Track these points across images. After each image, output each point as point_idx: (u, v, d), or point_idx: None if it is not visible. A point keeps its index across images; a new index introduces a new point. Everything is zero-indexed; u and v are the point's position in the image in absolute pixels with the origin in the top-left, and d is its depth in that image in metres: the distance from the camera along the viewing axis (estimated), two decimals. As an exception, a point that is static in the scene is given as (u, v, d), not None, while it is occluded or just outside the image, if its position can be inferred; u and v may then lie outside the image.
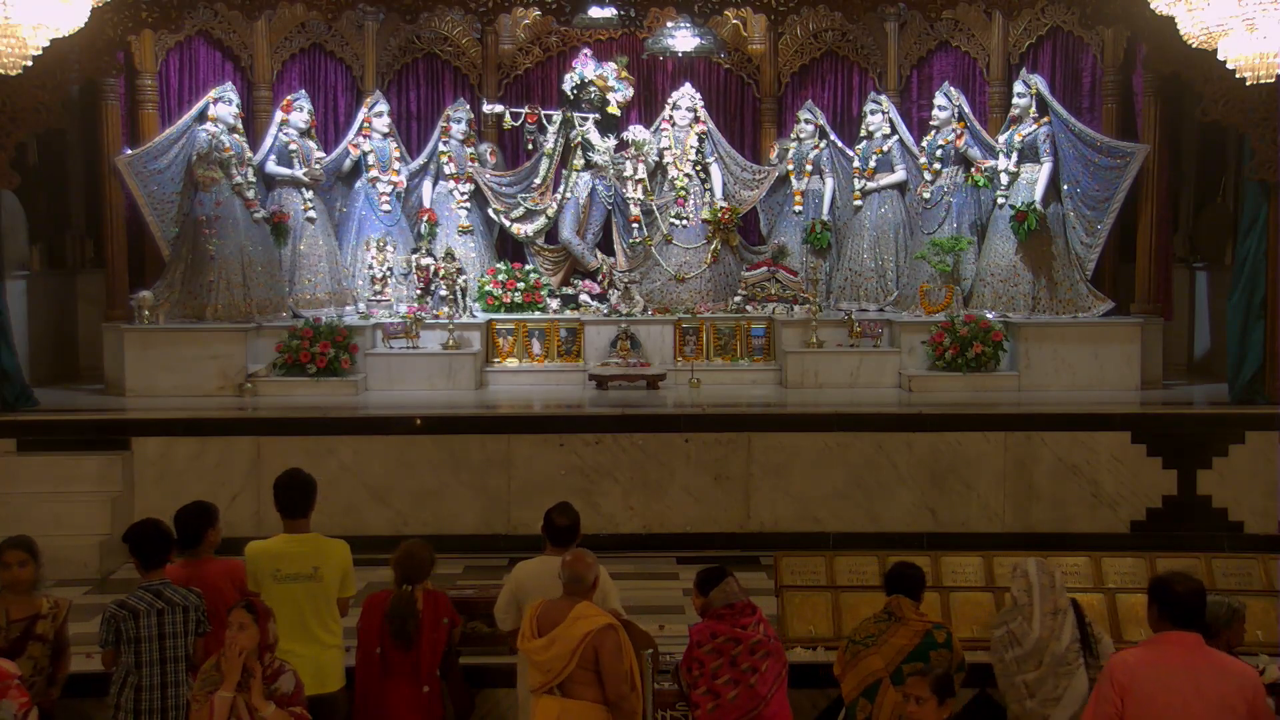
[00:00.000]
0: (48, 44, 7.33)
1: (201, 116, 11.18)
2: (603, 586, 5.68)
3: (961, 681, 5.80)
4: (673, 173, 12.41)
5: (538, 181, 12.52)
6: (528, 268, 12.32)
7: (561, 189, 12.45)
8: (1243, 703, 4.45)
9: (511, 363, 11.65)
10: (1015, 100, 11.43)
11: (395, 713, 5.71)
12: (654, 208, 12.39)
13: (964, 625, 6.98)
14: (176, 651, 5.46)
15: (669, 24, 11.55)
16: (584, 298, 12.13)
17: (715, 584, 5.65)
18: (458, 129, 12.38)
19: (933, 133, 11.88)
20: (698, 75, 12.93)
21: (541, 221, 12.46)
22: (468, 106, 12.50)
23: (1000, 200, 11.43)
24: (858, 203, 12.21)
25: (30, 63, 7.42)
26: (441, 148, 12.38)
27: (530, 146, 12.58)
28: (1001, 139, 11.50)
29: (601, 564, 5.64)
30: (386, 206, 12.05)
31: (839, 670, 5.88)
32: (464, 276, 11.90)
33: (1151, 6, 7.70)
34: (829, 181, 12.42)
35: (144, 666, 5.42)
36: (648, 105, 13.00)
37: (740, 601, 5.62)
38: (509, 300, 11.99)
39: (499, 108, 12.49)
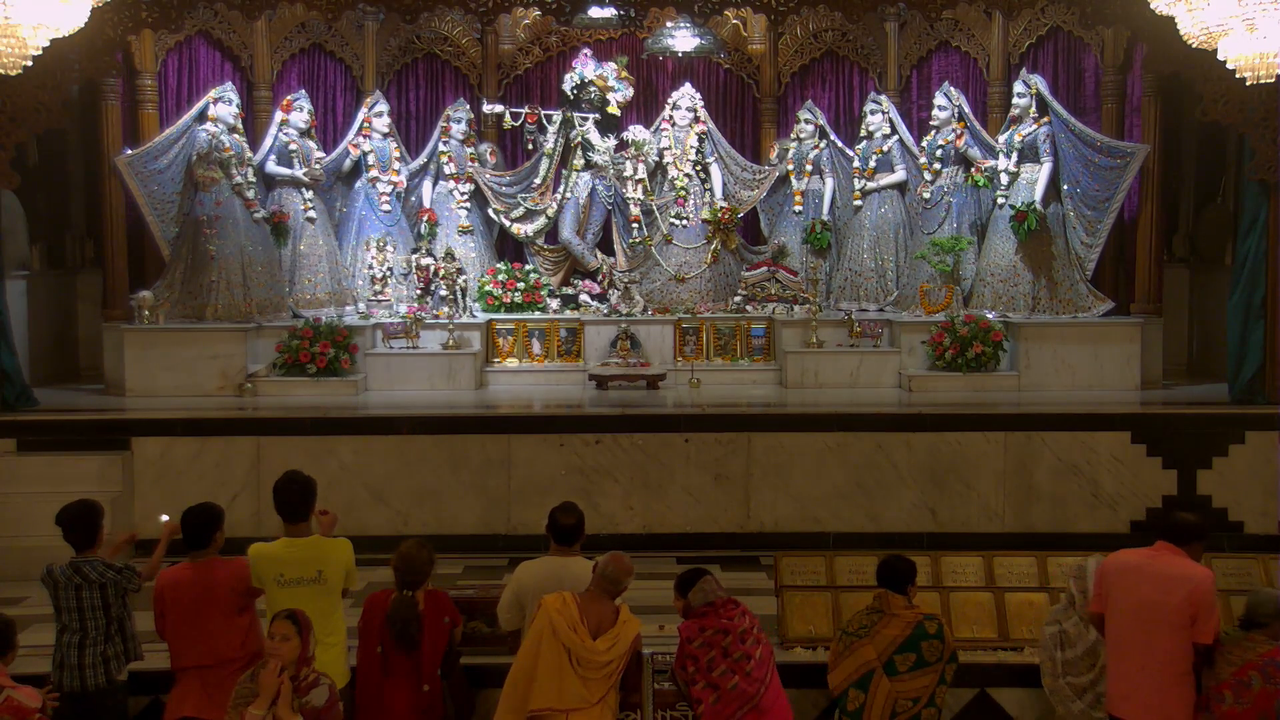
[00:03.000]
0: (48, 44, 7.34)
1: (201, 116, 11.18)
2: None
3: (954, 673, 5.83)
4: (673, 173, 12.41)
5: (538, 181, 12.53)
6: (528, 268, 12.32)
7: (561, 189, 12.45)
8: (1183, 597, 5.45)
9: (511, 363, 11.65)
10: (1015, 100, 11.42)
11: (395, 712, 5.71)
12: (654, 208, 12.39)
13: (964, 625, 6.99)
14: (97, 622, 5.89)
15: (669, 24, 11.56)
16: (584, 298, 12.13)
17: (693, 584, 5.72)
18: (458, 129, 12.39)
19: (933, 133, 11.88)
20: (698, 75, 12.94)
21: (541, 221, 12.46)
22: (468, 106, 12.51)
23: (1000, 200, 11.43)
24: (858, 203, 12.22)
25: (30, 63, 7.43)
26: (441, 148, 12.39)
27: (530, 146, 12.58)
28: (1001, 139, 11.49)
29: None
30: (386, 206, 12.05)
31: (831, 660, 5.93)
32: (464, 276, 11.90)
33: (1151, 6, 7.71)
34: (829, 181, 12.42)
35: (65, 634, 5.92)
36: (648, 105, 13.01)
37: (719, 598, 5.68)
38: (509, 300, 11.99)
39: (499, 108, 12.49)
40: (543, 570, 5.98)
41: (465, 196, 12.37)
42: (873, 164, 12.12)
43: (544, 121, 12.47)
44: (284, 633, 4.97)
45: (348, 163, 12.14)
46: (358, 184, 12.15)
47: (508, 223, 12.49)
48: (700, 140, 12.46)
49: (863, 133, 12.30)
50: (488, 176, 12.45)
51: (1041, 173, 11.21)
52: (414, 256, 11.94)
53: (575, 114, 12.41)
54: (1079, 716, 6.02)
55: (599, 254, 12.43)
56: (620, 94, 12.50)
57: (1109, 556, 5.90)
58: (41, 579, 5.99)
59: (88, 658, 5.87)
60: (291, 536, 5.91)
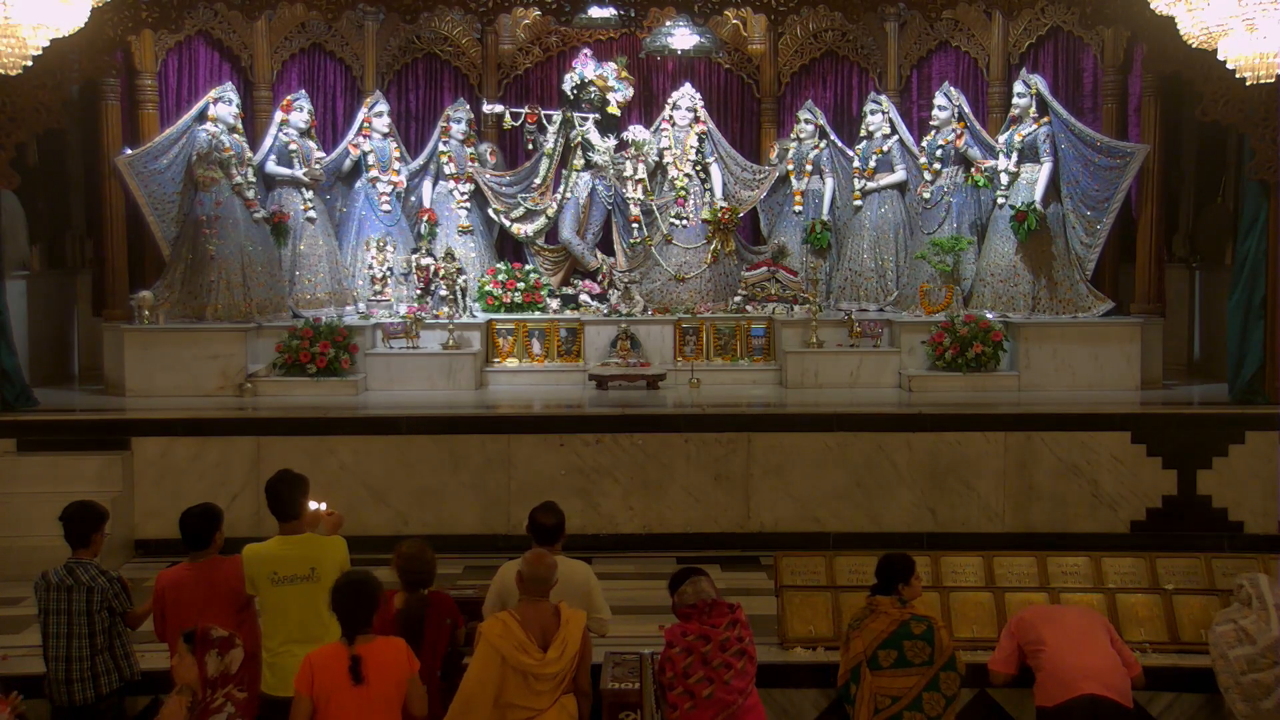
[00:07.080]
0: (48, 44, 7.33)
1: (201, 116, 11.17)
2: (593, 593, 5.73)
3: (956, 685, 5.84)
4: (673, 173, 12.41)
5: (538, 181, 12.52)
6: (528, 268, 12.32)
7: (561, 189, 12.45)
8: (1101, 621, 6.34)
9: (511, 363, 11.65)
10: (1015, 100, 11.42)
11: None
12: (654, 208, 12.38)
13: (964, 625, 6.98)
14: (81, 628, 5.83)
15: (668, 23, 11.55)
16: (584, 298, 12.12)
17: (684, 581, 5.75)
18: (458, 129, 12.38)
19: (933, 133, 11.88)
20: (698, 75, 12.94)
21: (541, 221, 12.46)
22: (468, 106, 12.50)
23: (1000, 200, 11.42)
24: (858, 203, 12.21)
25: (30, 63, 7.43)
26: (441, 148, 12.38)
27: (530, 146, 12.58)
28: (1001, 139, 11.49)
29: (600, 565, 5.66)
30: (386, 206, 12.05)
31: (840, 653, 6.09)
32: (464, 276, 11.90)
33: (1151, 6, 7.71)
34: (829, 181, 12.42)
35: (50, 639, 5.85)
36: (648, 105, 13.01)
37: (707, 600, 5.65)
38: (509, 300, 11.99)
39: (499, 108, 12.49)
40: None
41: (465, 196, 12.36)
42: (873, 164, 12.12)
43: (544, 121, 12.46)
44: (178, 651, 4.80)
45: (348, 163, 12.14)
46: (358, 184, 12.15)
47: (508, 223, 12.49)
48: (700, 140, 12.45)
49: (863, 133, 12.29)
50: (488, 176, 12.45)
51: (1041, 173, 11.20)
52: (414, 256, 11.94)
53: (575, 114, 12.40)
54: (1267, 715, 5.93)
55: (599, 254, 12.43)
56: (620, 94, 12.50)
57: (1010, 621, 6.57)
58: (35, 584, 5.95)
59: (75, 671, 5.82)
60: (285, 534, 5.91)
